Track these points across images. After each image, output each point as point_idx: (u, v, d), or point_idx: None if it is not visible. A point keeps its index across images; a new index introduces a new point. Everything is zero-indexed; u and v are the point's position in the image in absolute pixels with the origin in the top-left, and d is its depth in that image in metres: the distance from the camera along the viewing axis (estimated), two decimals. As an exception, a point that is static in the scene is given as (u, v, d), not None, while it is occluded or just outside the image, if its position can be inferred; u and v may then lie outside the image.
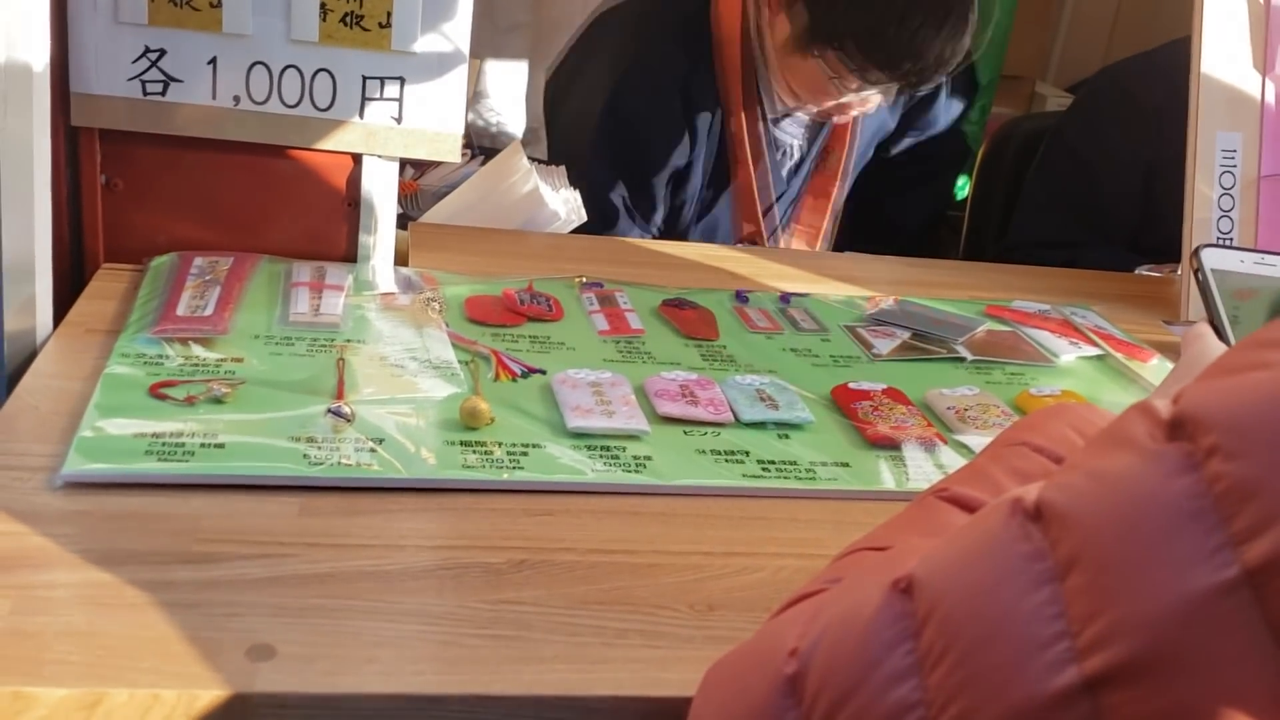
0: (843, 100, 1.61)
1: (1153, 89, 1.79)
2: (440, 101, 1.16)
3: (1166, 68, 1.79)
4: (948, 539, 0.49)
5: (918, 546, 0.54)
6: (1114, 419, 0.48)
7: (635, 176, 1.69)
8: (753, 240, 1.78)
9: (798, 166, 1.80)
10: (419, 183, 1.86)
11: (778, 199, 1.78)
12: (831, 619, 0.51)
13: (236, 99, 1.13)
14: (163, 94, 1.12)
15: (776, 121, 1.73)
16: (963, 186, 2.84)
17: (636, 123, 1.67)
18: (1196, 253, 1.15)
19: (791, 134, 1.76)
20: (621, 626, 0.72)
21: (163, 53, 1.11)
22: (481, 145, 2.65)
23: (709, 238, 1.79)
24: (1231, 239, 1.40)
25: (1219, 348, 0.75)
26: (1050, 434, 0.64)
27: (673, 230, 1.77)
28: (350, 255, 1.23)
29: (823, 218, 1.84)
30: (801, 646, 0.51)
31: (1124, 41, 3.16)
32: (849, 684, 0.48)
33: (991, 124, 2.92)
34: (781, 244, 1.82)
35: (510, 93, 2.92)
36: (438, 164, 1.90)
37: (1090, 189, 1.82)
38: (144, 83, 1.12)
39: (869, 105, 1.64)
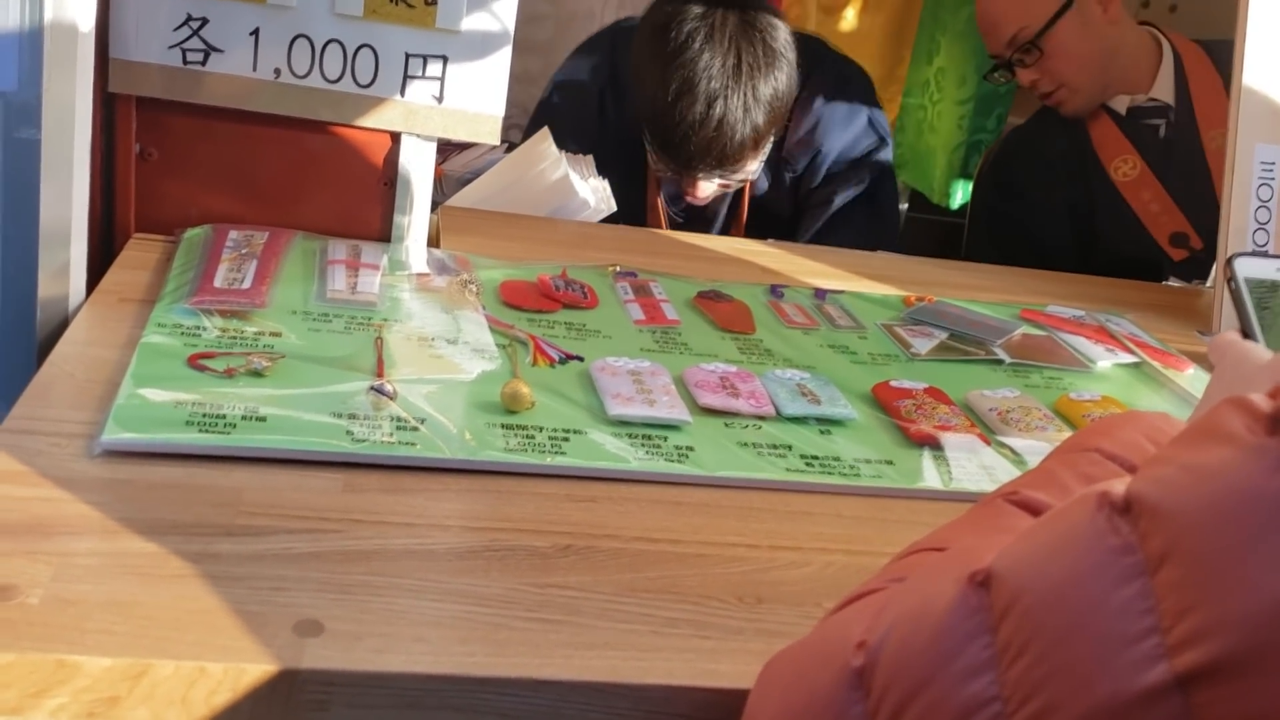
0: (678, 183, 1.62)
1: (1054, 138, 1.93)
2: (482, 82, 1.15)
3: (1058, 121, 1.93)
4: (1027, 532, 0.48)
5: (977, 546, 0.53)
6: (1205, 414, 0.46)
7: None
8: None
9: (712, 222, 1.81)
10: (443, 167, 1.85)
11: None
12: (901, 613, 0.50)
13: (277, 71, 1.12)
14: (203, 63, 1.11)
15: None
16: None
17: (562, 102, 1.76)
18: (1230, 262, 1.14)
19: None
20: (670, 616, 0.71)
21: (205, 21, 1.10)
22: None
23: None
24: (1267, 251, 1.39)
25: (1259, 349, 0.74)
26: (1123, 441, 0.63)
27: None
28: (384, 235, 1.21)
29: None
30: (869, 640, 0.50)
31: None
32: (922, 677, 0.47)
33: (1005, 134, 2.92)
34: None
35: (530, 85, 2.91)
36: (462, 149, 1.89)
37: (1029, 242, 1.91)
38: (184, 51, 1.10)
39: (701, 192, 1.60)
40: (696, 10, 1.53)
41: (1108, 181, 1.88)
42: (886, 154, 1.81)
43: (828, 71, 1.77)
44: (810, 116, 1.73)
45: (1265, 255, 1.30)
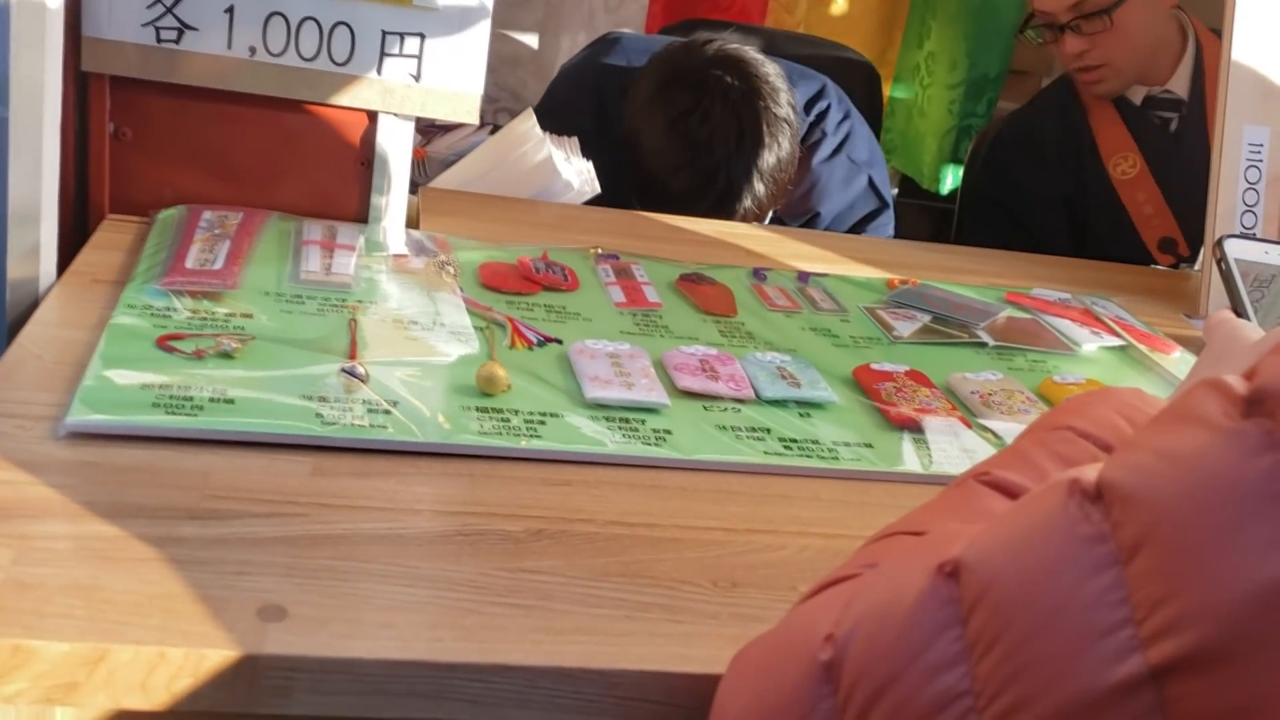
0: None
1: (1049, 130, 1.91)
2: (461, 60, 1.13)
3: (1057, 105, 1.92)
4: (998, 521, 0.47)
5: (955, 531, 0.52)
6: (1179, 396, 0.45)
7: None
8: None
9: None
10: (426, 149, 1.83)
11: None
12: (869, 604, 0.49)
13: (252, 50, 1.10)
14: (177, 42, 1.09)
15: None
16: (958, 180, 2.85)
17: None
18: (1220, 243, 1.13)
19: None
20: (643, 600, 0.70)
21: (178, -1, 1.08)
22: (483, 120, 2.62)
23: None
24: (1255, 234, 1.38)
25: (1250, 328, 0.73)
26: (1096, 419, 0.62)
27: None
28: (361, 216, 1.20)
29: None
30: (837, 633, 0.49)
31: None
32: (890, 671, 0.46)
33: (997, 117, 2.91)
34: None
35: (518, 68, 2.89)
36: (445, 131, 1.88)
37: (1020, 230, 1.89)
38: (158, 29, 1.09)
39: None
40: (697, 75, 1.46)
41: (1105, 177, 1.86)
42: (886, 219, 1.75)
43: (830, 122, 1.71)
44: (808, 177, 1.67)
45: (1254, 238, 1.29)
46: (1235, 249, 1.11)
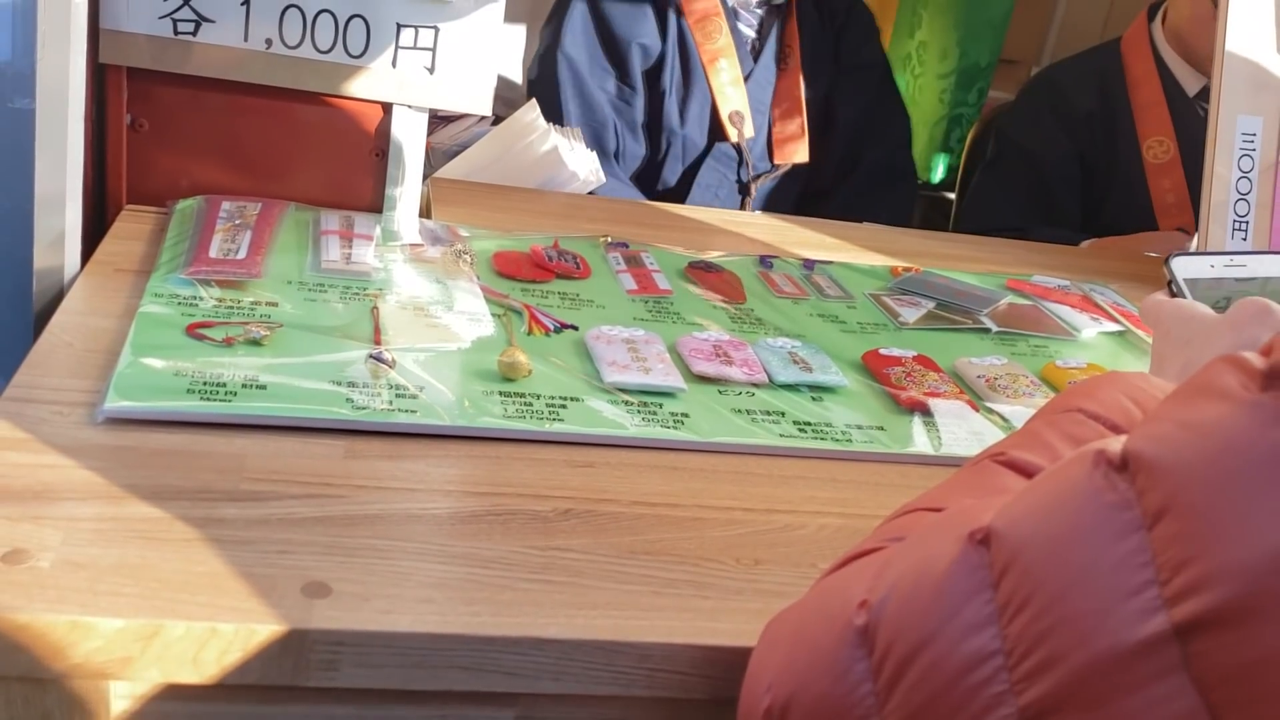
0: None
1: (1084, 91, 1.93)
2: (473, 53, 1.15)
3: (1098, 71, 1.93)
4: (1025, 491, 0.49)
5: (972, 507, 0.54)
6: (1198, 372, 0.48)
7: (612, 54, 1.78)
8: (740, 118, 1.82)
9: (757, 53, 1.86)
10: (430, 140, 1.84)
11: (747, 77, 1.83)
12: (902, 572, 0.51)
13: (268, 42, 1.12)
14: (194, 34, 1.11)
15: (735, 14, 1.83)
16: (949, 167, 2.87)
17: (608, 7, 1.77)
18: (1167, 262, 1.16)
19: (748, 24, 1.85)
20: (670, 576, 0.72)
21: (196, -8, 1.09)
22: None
23: (698, 123, 1.83)
24: (1248, 223, 1.40)
25: (1197, 305, 0.75)
26: (1105, 401, 0.64)
27: (657, 123, 1.81)
28: (375, 206, 1.22)
29: (800, 118, 1.88)
30: (871, 599, 0.51)
31: (1119, 26, 3.17)
32: (924, 634, 0.48)
33: (988, 107, 2.93)
34: (775, 153, 1.87)
35: (507, 57, 2.89)
36: (449, 122, 1.89)
37: (1036, 178, 1.91)
38: (175, 21, 1.10)
39: None
40: None
41: (1137, 156, 1.87)
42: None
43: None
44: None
45: (1200, 253, 1.30)
46: (1183, 268, 1.13)
